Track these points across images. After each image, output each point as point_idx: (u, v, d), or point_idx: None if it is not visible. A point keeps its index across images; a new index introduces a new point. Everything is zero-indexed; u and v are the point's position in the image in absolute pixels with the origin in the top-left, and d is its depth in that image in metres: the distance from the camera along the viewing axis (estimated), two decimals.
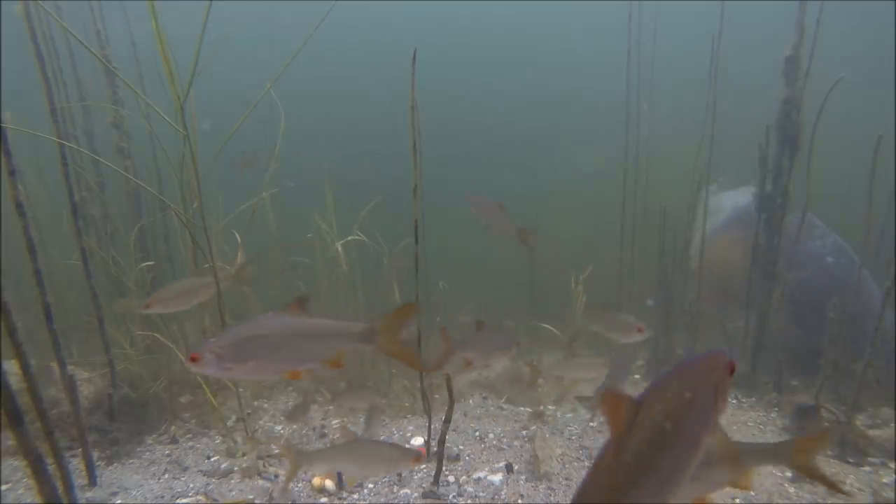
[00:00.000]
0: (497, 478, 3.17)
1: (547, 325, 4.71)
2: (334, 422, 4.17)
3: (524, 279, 5.32)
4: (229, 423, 3.95)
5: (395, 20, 13.39)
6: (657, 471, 1.09)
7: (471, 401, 4.66)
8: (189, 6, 3.58)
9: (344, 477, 3.01)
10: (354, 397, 4.25)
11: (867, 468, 3.29)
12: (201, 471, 3.30)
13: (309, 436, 3.90)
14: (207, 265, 3.13)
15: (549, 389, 4.88)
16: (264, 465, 3.34)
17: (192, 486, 3.08)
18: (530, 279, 5.22)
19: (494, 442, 3.73)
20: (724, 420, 4.05)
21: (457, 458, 3.44)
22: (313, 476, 3.15)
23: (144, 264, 4.17)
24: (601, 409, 1.14)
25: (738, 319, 4.73)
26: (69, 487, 2.49)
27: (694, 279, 4.91)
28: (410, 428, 4.01)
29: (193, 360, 1.71)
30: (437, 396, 4.37)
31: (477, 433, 3.89)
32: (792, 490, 3.01)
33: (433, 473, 3.07)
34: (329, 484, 3.07)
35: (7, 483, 3.09)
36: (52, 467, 2.29)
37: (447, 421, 2.93)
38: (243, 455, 3.44)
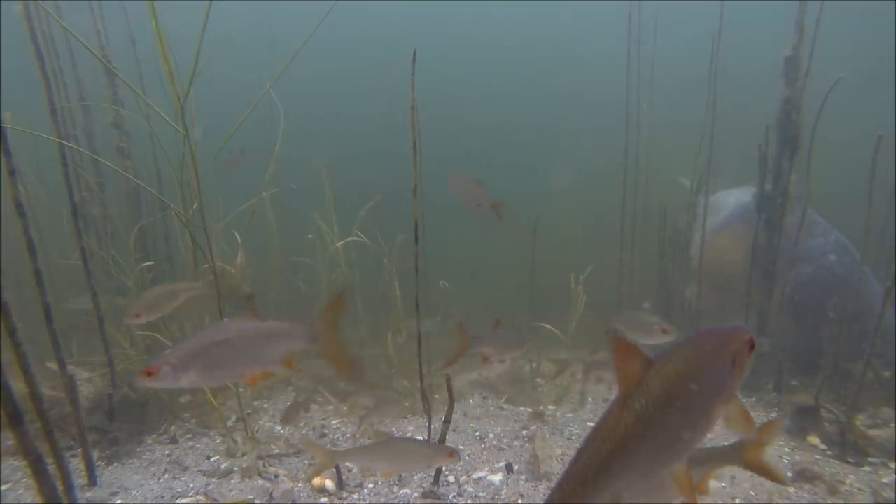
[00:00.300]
0: (497, 478, 3.17)
1: (547, 325, 4.71)
2: (334, 422, 4.17)
3: (524, 279, 5.32)
4: (229, 423, 3.95)
5: (395, 20, 13.39)
6: (661, 429, 1.09)
7: (471, 401, 4.66)
8: (189, 6, 3.58)
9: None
10: (368, 396, 4.17)
11: (867, 468, 3.29)
12: (201, 471, 3.30)
13: (309, 436, 3.90)
14: (207, 265, 3.13)
15: (549, 389, 4.89)
16: (264, 465, 3.34)
17: (192, 486, 3.08)
18: (530, 279, 5.22)
19: (494, 442, 3.73)
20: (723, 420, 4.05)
21: None
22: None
23: (144, 265, 4.17)
24: (613, 357, 1.13)
25: (739, 319, 4.73)
26: (69, 487, 2.49)
27: (694, 278, 4.91)
28: (410, 428, 4.01)
29: (149, 374, 1.70)
30: (437, 396, 4.38)
31: (477, 433, 3.89)
32: (792, 490, 3.01)
33: (433, 473, 3.08)
34: (329, 484, 3.07)
35: (7, 483, 3.09)
36: (52, 467, 2.28)
37: (447, 421, 2.93)
38: (243, 455, 3.43)
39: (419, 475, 3.21)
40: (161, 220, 4.68)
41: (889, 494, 2.96)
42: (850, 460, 3.37)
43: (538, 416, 4.21)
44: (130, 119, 4.30)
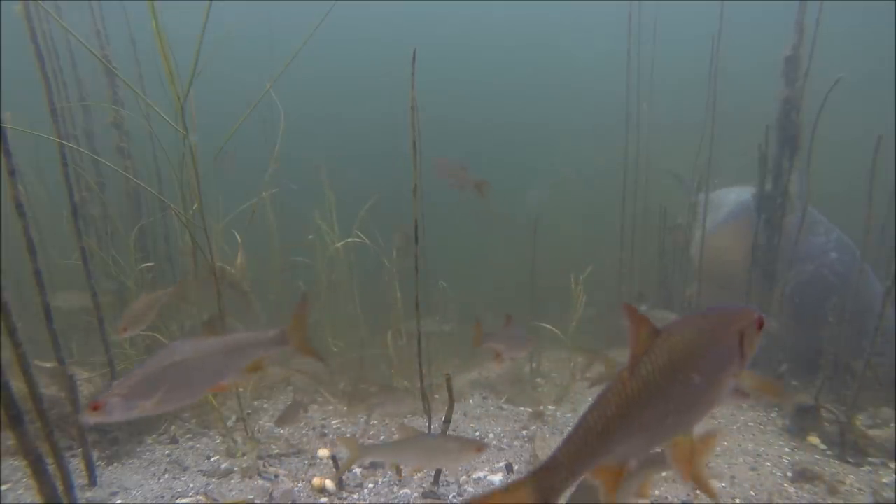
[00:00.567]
0: (497, 478, 3.17)
1: (547, 325, 4.71)
2: (334, 422, 4.17)
3: (524, 279, 5.32)
4: (229, 423, 3.95)
5: (395, 20, 13.39)
6: (665, 397, 1.10)
7: (471, 401, 4.66)
8: (189, 6, 3.58)
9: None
10: (393, 400, 4.06)
11: (867, 468, 3.29)
12: (201, 471, 3.30)
13: (309, 436, 3.90)
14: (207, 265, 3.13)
15: (549, 389, 4.89)
16: (264, 465, 3.34)
17: (192, 486, 3.08)
18: (530, 279, 5.22)
19: (494, 442, 3.73)
20: (723, 421, 4.05)
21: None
22: (313, 476, 3.16)
23: (144, 265, 4.17)
24: (625, 321, 1.15)
25: None
26: (69, 487, 2.49)
27: (694, 277, 4.91)
28: (411, 427, 4.00)
29: (94, 409, 1.64)
30: (437, 396, 4.38)
31: (477, 433, 3.90)
32: (792, 490, 3.01)
33: (433, 473, 3.08)
34: (329, 484, 3.07)
35: (7, 483, 3.09)
36: (52, 467, 2.28)
37: (447, 421, 2.93)
38: (243, 455, 3.44)
39: (419, 475, 3.21)
40: (161, 220, 4.68)
41: (889, 494, 2.96)
42: (850, 460, 3.37)
43: (538, 416, 4.21)
44: (130, 119, 4.30)
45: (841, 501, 2.92)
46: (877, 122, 4.06)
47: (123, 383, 1.70)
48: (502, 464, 3.35)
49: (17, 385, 2.13)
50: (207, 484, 3.10)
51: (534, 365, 5.22)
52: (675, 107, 7.18)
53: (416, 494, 2.99)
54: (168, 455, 3.54)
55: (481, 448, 2.51)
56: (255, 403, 4.50)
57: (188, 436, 3.85)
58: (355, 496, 3.00)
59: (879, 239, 4.07)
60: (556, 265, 5.08)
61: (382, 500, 2.96)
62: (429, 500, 2.93)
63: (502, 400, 4.67)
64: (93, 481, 3.03)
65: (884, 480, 3.13)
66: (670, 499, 2.92)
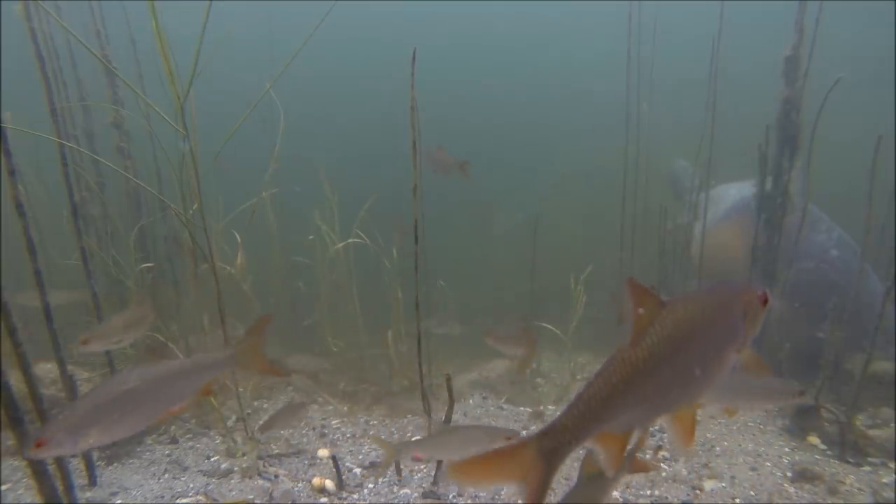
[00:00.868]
0: None
1: (547, 325, 4.71)
2: (334, 422, 4.17)
3: (524, 279, 5.32)
4: (229, 423, 3.95)
5: (395, 20, 13.39)
6: (669, 367, 1.11)
7: (471, 401, 4.66)
8: (189, 6, 3.58)
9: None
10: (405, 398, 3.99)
11: (867, 468, 3.29)
12: (201, 471, 3.30)
13: (309, 436, 3.90)
14: (207, 265, 3.13)
15: (549, 389, 4.89)
16: (264, 465, 3.34)
17: (192, 486, 3.08)
18: (530, 279, 5.22)
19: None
20: (723, 421, 4.05)
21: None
22: (313, 476, 3.16)
23: (145, 265, 4.17)
24: (626, 297, 1.15)
25: None
26: (69, 487, 2.49)
27: (694, 274, 4.91)
28: (410, 428, 4.01)
29: (39, 445, 1.59)
30: (437, 397, 4.38)
31: None
32: (792, 490, 3.02)
33: (433, 473, 3.08)
34: (329, 484, 3.07)
35: (7, 483, 3.09)
36: (52, 467, 2.29)
37: (447, 421, 2.93)
38: (243, 455, 3.44)
39: (419, 475, 3.22)
40: (161, 220, 4.68)
41: (889, 494, 2.96)
42: (850, 460, 3.37)
43: (538, 416, 4.21)
44: (130, 119, 4.30)
45: (841, 501, 2.92)
46: (877, 122, 4.06)
47: (69, 417, 1.64)
48: None
49: (17, 385, 2.13)
50: (207, 484, 3.10)
51: (534, 365, 5.22)
52: (676, 107, 7.18)
53: (416, 494, 2.99)
54: (168, 455, 3.54)
55: (511, 436, 2.54)
56: (255, 403, 4.50)
57: (188, 436, 3.85)
58: (355, 496, 3.00)
59: (879, 239, 4.07)
60: (556, 265, 5.08)
61: (382, 500, 2.96)
62: (429, 500, 2.93)
63: (502, 400, 4.67)
64: (93, 481, 3.03)
65: (884, 480, 3.13)
66: (670, 499, 2.92)
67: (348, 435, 3.91)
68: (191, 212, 3.17)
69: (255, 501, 2.91)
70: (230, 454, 3.51)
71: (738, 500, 2.91)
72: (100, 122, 4.36)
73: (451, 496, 2.96)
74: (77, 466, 3.06)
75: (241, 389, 3.81)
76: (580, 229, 7.95)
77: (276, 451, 3.57)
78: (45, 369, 3.66)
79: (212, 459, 3.48)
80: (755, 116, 4.44)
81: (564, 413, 1.08)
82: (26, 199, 2.50)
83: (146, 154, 4.44)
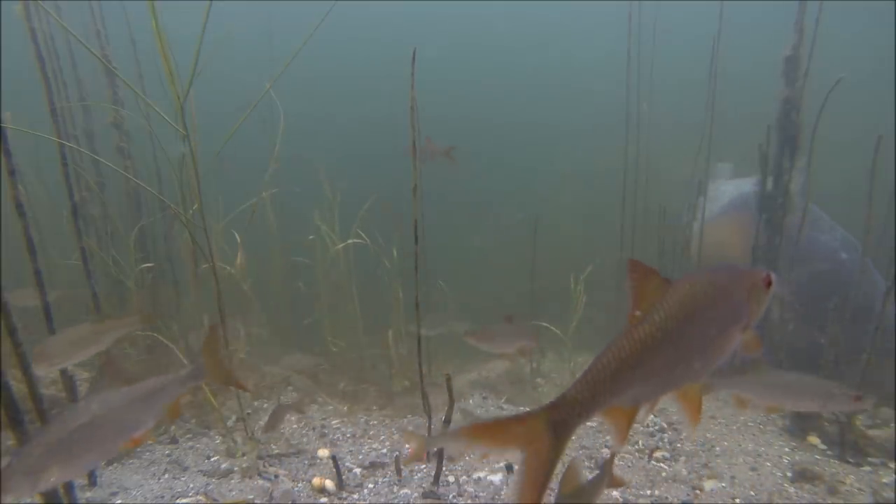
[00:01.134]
0: (497, 478, 3.17)
1: (548, 325, 4.71)
2: (334, 422, 4.17)
3: (524, 279, 5.32)
4: (229, 423, 3.95)
5: (395, 20, 13.39)
6: (677, 343, 1.13)
7: (471, 401, 4.66)
8: (189, 6, 3.58)
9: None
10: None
11: (867, 468, 3.29)
12: (201, 471, 3.30)
13: (309, 436, 3.90)
14: (207, 265, 3.13)
15: (549, 389, 4.89)
16: (264, 465, 3.34)
17: (192, 486, 3.08)
18: (530, 279, 5.22)
19: None
20: (723, 421, 4.05)
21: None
22: (313, 476, 3.16)
23: (144, 265, 4.17)
24: (628, 278, 1.18)
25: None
26: (69, 487, 2.49)
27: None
28: (410, 428, 4.01)
29: None
30: (437, 397, 4.37)
31: None
32: (792, 490, 3.02)
33: (433, 473, 3.08)
34: (329, 484, 3.07)
35: None
36: None
37: (447, 421, 2.94)
38: (243, 455, 3.44)
39: (419, 475, 3.22)
40: (161, 220, 4.68)
41: (889, 494, 2.96)
42: (850, 460, 3.37)
43: None
44: (130, 119, 4.30)
45: (841, 501, 2.92)
46: (877, 122, 4.06)
47: (25, 457, 1.54)
48: (502, 464, 3.34)
49: (17, 385, 2.13)
50: (207, 484, 3.10)
51: (534, 365, 5.22)
52: (676, 107, 7.18)
53: (416, 494, 2.99)
54: (168, 455, 3.54)
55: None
56: (256, 403, 4.50)
57: (188, 436, 3.85)
58: (355, 496, 3.00)
59: (879, 239, 4.07)
60: (556, 265, 5.09)
61: (382, 500, 2.96)
62: (429, 500, 2.93)
63: (502, 400, 4.67)
64: (93, 481, 3.03)
65: (884, 480, 3.13)
66: (670, 499, 2.92)
67: (348, 435, 3.91)
68: (191, 212, 3.17)
69: (255, 501, 2.91)
70: (230, 454, 3.51)
71: (738, 500, 2.91)
72: (100, 122, 4.36)
73: (451, 496, 2.96)
74: None
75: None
76: (580, 229, 7.94)
77: (276, 451, 3.57)
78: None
79: (212, 459, 3.48)
80: (755, 116, 4.45)
81: (574, 386, 1.09)
82: (26, 199, 2.50)
83: (146, 154, 4.45)
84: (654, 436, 3.79)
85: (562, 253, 5.81)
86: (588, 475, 2.81)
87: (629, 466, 3.32)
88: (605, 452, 3.52)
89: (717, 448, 3.58)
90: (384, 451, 3.58)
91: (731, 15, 4.60)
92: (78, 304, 4.33)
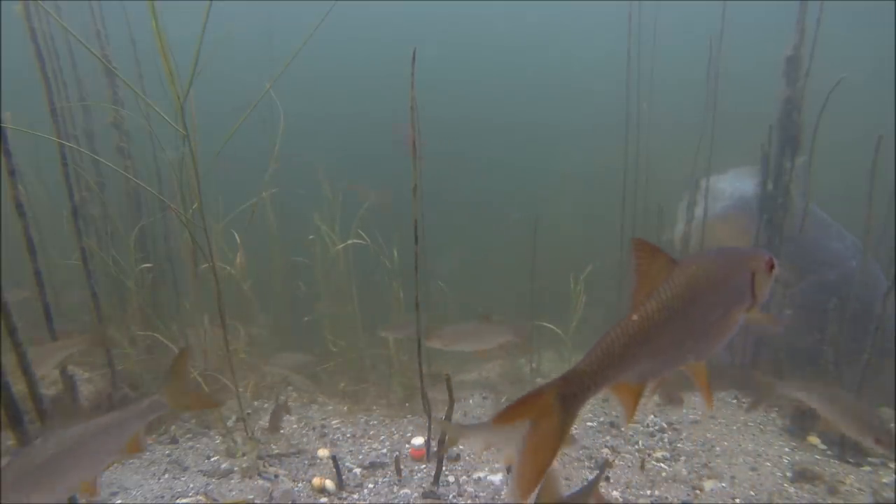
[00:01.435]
0: (497, 478, 3.17)
1: (548, 325, 4.71)
2: (334, 422, 4.17)
3: (524, 279, 5.32)
4: (229, 423, 3.95)
5: (395, 20, 13.38)
6: (684, 321, 1.16)
7: (471, 401, 4.66)
8: (189, 6, 3.58)
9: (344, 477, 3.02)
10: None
11: (867, 468, 3.29)
12: (201, 471, 3.30)
13: (309, 436, 3.90)
14: (207, 265, 3.13)
15: None
16: (264, 465, 3.34)
17: (192, 486, 3.08)
18: (530, 279, 5.22)
19: None
20: (724, 421, 4.05)
21: (457, 458, 3.44)
22: (313, 476, 3.16)
23: (144, 265, 4.17)
24: (633, 256, 1.21)
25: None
26: None
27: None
28: (410, 428, 4.01)
29: None
30: (437, 396, 4.37)
31: None
32: (792, 490, 3.02)
33: (433, 473, 3.08)
34: (329, 484, 3.07)
35: None
36: None
37: (447, 421, 2.94)
38: (243, 455, 3.44)
39: (419, 475, 3.22)
40: (161, 220, 4.68)
41: (889, 494, 2.96)
42: (850, 460, 3.37)
43: None
44: (130, 119, 4.30)
45: (841, 501, 2.92)
46: (877, 122, 4.06)
47: None
48: (502, 464, 3.34)
49: (17, 385, 2.13)
50: (207, 484, 3.10)
51: (534, 365, 5.22)
52: (676, 107, 7.17)
53: (416, 494, 2.99)
54: (168, 455, 3.54)
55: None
56: (256, 403, 4.50)
57: (188, 436, 3.85)
58: (355, 496, 3.00)
59: (879, 239, 4.07)
60: (556, 265, 5.08)
61: (382, 500, 2.96)
62: (429, 500, 2.93)
63: (502, 400, 4.67)
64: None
65: (884, 480, 3.13)
66: (670, 499, 2.92)
67: (348, 435, 3.91)
68: (191, 212, 3.17)
69: (255, 501, 2.91)
70: (230, 454, 3.50)
71: (738, 500, 2.91)
72: (100, 122, 4.36)
73: (451, 496, 2.96)
74: None
75: (240, 390, 3.81)
76: (580, 229, 7.94)
77: (276, 451, 3.57)
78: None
79: (212, 459, 3.48)
80: (756, 116, 4.44)
81: (584, 359, 1.10)
82: (26, 199, 2.50)
83: (146, 154, 4.44)
84: (654, 436, 3.79)
85: (562, 253, 5.81)
86: (568, 486, 2.83)
87: (629, 466, 3.32)
88: (605, 452, 3.52)
89: (717, 448, 3.58)
90: (384, 451, 3.58)
91: (732, 15, 4.60)
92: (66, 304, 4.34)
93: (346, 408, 4.46)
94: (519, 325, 3.51)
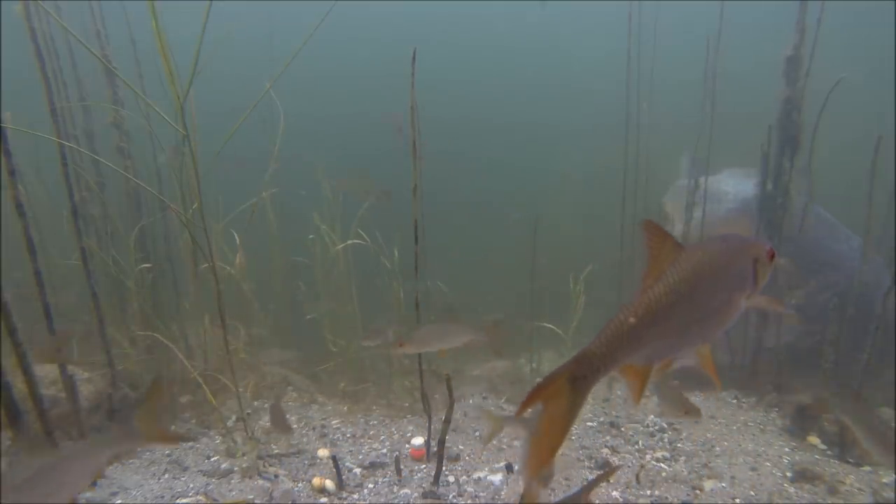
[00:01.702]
0: (497, 478, 3.17)
1: (548, 325, 4.71)
2: (334, 421, 4.17)
3: (524, 278, 5.32)
4: (229, 423, 3.95)
5: (395, 20, 13.38)
6: (690, 304, 1.20)
7: (471, 401, 4.66)
8: (189, 6, 3.58)
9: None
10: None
11: (867, 468, 3.29)
12: (201, 471, 3.30)
13: (309, 436, 3.90)
14: (207, 265, 3.13)
15: None
16: (264, 465, 3.34)
17: (192, 486, 3.08)
18: (530, 279, 5.22)
19: (494, 442, 3.73)
20: (724, 421, 4.05)
21: (457, 458, 3.44)
22: (313, 476, 3.16)
23: (144, 265, 4.16)
24: (645, 238, 1.25)
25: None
26: None
27: None
28: (411, 428, 4.01)
29: None
30: (437, 396, 4.37)
31: (477, 433, 3.89)
32: (792, 490, 3.02)
33: (433, 473, 3.08)
34: (329, 484, 3.07)
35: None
36: None
37: (447, 421, 2.94)
38: (243, 455, 3.44)
39: (419, 475, 3.22)
40: (161, 220, 4.68)
41: (889, 494, 2.96)
42: (850, 460, 3.37)
43: None
44: (130, 119, 4.30)
45: (841, 501, 2.92)
46: (877, 122, 4.06)
47: None
48: (502, 464, 3.35)
49: (17, 385, 2.13)
50: (207, 484, 3.10)
51: (534, 365, 5.22)
52: (676, 107, 7.17)
53: (416, 494, 2.99)
54: (168, 455, 3.54)
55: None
56: (256, 403, 4.50)
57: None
58: (355, 496, 3.00)
59: (879, 239, 4.06)
60: (556, 265, 5.08)
61: (382, 500, 2.96)
62: (429, 500, 2.93)
63: (502, 400, 4.67)
64: (92, 481, 3.02)
65: (884, 480, 3.13)
66: (670, 499, 2.92)
67: (348, 435, 3.91)
68: (191, 212, 3.17)
69: (255, 501, 2.91)
70: (230, 454, 3.50)
71: (738, 500, 2.91)
72: (100, 122, 4.35)
73: (451, 496, 2.96)
74: None
75: (240, 390, 3.81)
76: (580, 229, 7.94)
77: (276, 451, 3.57)
78: (46, 369, 3.66)
79: (212, 459, 3.48)
80: (756, 116, 4.44)
81: (594, 341, 1.13)
82: (26, 199, 2.50)
83: (146, 154, 4.44)
84: (654, 436, 3.79)
85: (562, 253, 5.81)
86: (568, 486, 2.82)
87: (629, 466, 3.32)
88: (605, 452, 3.53)
89: (717, 448, 3.58)
90: (384, 451, 3.58)
91: (732, 15, 4.60)
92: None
93: (345, 408, 4.46)
94: (487, 322, 3.50)
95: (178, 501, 2.90)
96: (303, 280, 5.31)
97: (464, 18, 14.76)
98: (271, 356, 4.82)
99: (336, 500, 2.96)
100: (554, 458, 1.07)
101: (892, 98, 6.40)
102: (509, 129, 12.53)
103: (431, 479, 3.07)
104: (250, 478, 3.18)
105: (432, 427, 3.34)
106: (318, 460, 3.45)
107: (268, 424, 4.07)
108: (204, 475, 3.24)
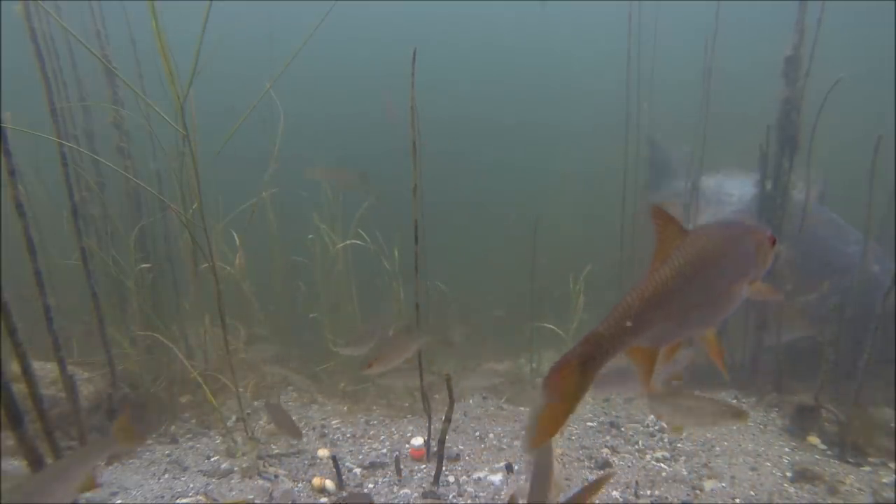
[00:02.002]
0: (497, 478, 3.17)
1: (548, 325, 4.71)
2: (334, 421, 4.17)
3: (524, 278, 5.32)
4: (229, 423, 3.95)
5: (395, 20, 13.39)
6: (694, 287, 1.22)
7: (471, 401, 4.66)
8: (189, 6, 3.58)
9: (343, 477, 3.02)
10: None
11: (867, 468, 3.29)
12: (201, 471, 3.30)
13: (309, 436, 3.90)
14: (207, 265, 3.13)
15: None
16: (264, 465, 3.34)
17: (192, 486, 3.08)
18: (530, 279, 5.22)
19: (494, 442, 3.73)
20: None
21: (457, 457, 3.44)
22: (313, 476, 3.16)
23: (144, 265, 4.16)
24: (652, 220, 1.28)
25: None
26: None
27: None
28: (411, 428, 4.01)
29: None
30: (437, 396, 4.38)
31: (477, 433, 3.89)
32: (792, 490, 3.02)
33: (433, 473, 3.08)
34: (329, 484, 3.07)
35: (7, 482, 3.08)
36: None
37: (447, 421, 2.94)
38: (243, 455, 3.44)
39: (419, 475, 3.22)
40: (161, 220, 4.68)
41: (889, 494, 2.96)
42: (850, 460, 3.37)
43: None
44: (130, 119, 4.30)
45: (841, 501, 2.92)
46: (877, 122, 4.06)
47: None
48: (502, 464, 3.35)
49: (17, 385, 2.13)
50: (207, 484, 3.10)
51: (534, 365, 5.22)
52: (676, 107, 7.18)
53: (416, 494, 2.99)
54: (168, 455, 3.54)
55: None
56: (256, 403, 4.50)
57: (188, 436, 3.85)
58: None
59: (879, 238, 4.06)
60: (556, 265, 5.08)
61: (382, 500, 2.96)
62: (429, 500, 2.93)
63: (502, 400, 4.68)
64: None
65: (884, 480, 3.13)
66: (670, 499, 2.92)
67: (348, 435, 3.91)
68: (191, 212, 3.17)
69: (255, 501, 2.91)
70: (230, 454, 3.51)
71: (738, 500, 2.91)
72: (100, 122, 4.35)
73: (451, 496, 2.96)
74: None
75: (241, 390, 3.81)
76: (580, 229, 7.94)
77: (276, 451, 3.57)
78: (46, 369, 3.66)
79: (212, 459, 3.48)
80: (755, 116, 4.44)
81: (602, 323, 1.15)
82: (26, 199, 2.49)
83: (146, 154, 4.44)
84: (654, 436, 3.79)
85: (562, 253, 5.81)
86: (568, 486, 2.80)
87: (629, 466, 3.32)
88: (605, 452, 3.53)
89: (717, 448, 3.58)
90: (384, 451, 3.59)
91: (731, 15, 4.60)
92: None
93: (345, 408, 4.46)
94: (435, 325, 3.53)
95: (178, 501, 2.91)
96: (303, 280, 5.31)
97: (464, 18, 14.76)
98: (261, 351, 4.81)
99: (336, 500, 2.96)
100: (553, 457, 1.08)
101: (892, 98, 6.40)
102: (509, 130, 12.53)
103: (431, 479, 3.07)
104: (250, 478, 3.18)
105: (432, 427, 3.34)
106: (318, 460, 3.45)
107: (268, 425, 4.08)
108: (204, 475, 3.24)
